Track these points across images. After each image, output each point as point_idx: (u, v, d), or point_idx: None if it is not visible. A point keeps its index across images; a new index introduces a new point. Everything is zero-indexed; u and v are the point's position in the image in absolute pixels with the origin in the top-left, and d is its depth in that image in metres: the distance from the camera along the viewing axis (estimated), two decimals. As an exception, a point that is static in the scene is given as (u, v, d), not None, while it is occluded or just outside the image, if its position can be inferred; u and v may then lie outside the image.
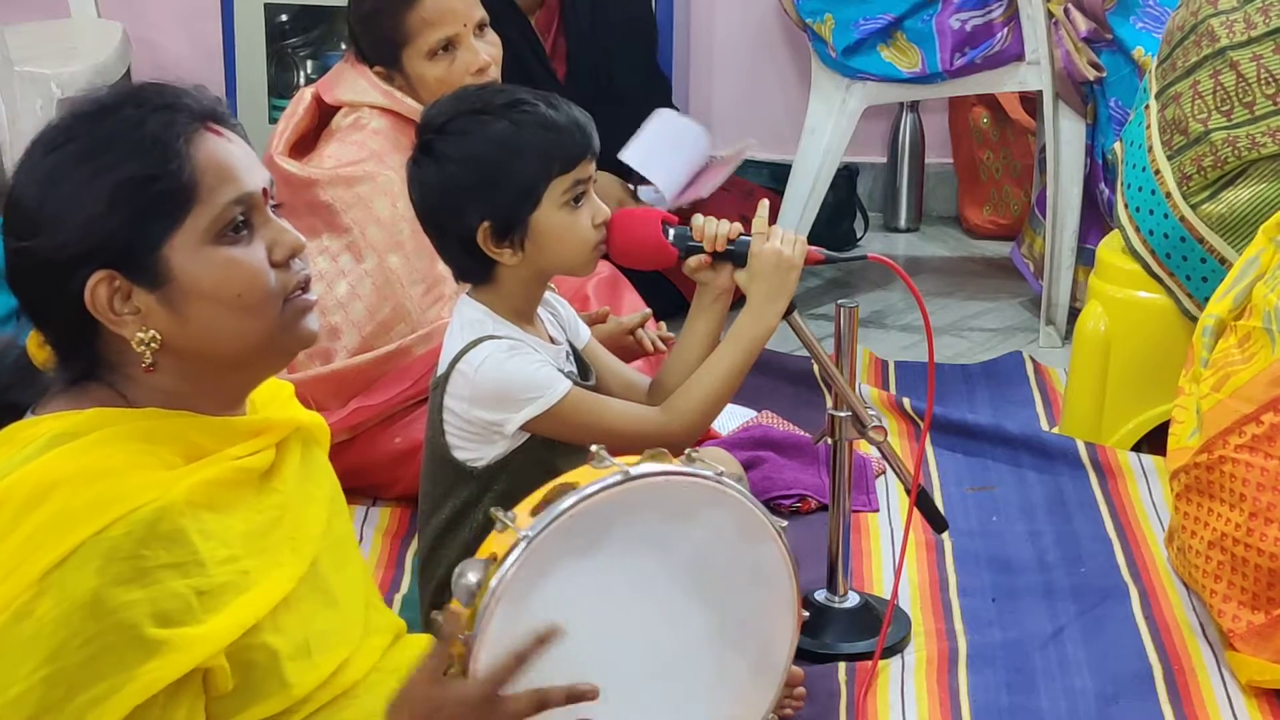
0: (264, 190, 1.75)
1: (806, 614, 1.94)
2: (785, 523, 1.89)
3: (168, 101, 1.71)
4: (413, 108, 3.00)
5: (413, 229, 2.44)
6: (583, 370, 2.43)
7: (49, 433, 1.68)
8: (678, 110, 3.91)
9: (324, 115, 3.17)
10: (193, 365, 1.73)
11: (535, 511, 1.76)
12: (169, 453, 1.70)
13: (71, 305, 1.69)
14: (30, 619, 1.59)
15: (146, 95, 1.72)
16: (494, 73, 3.06)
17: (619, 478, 1.76)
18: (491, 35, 3.10)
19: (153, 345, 1.69)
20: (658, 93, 4.11)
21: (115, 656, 1.60)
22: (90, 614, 1.59)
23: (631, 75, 4.02)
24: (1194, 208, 3.08)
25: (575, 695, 1.70)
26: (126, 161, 1.67)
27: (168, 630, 1.62)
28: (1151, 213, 3.15)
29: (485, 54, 3.05)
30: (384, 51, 3.06)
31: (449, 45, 3.03)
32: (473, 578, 1.72)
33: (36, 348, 1.77)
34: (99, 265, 1.67)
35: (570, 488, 1.76)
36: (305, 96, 3.16)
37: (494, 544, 1.76)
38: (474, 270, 2.35)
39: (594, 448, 1.81)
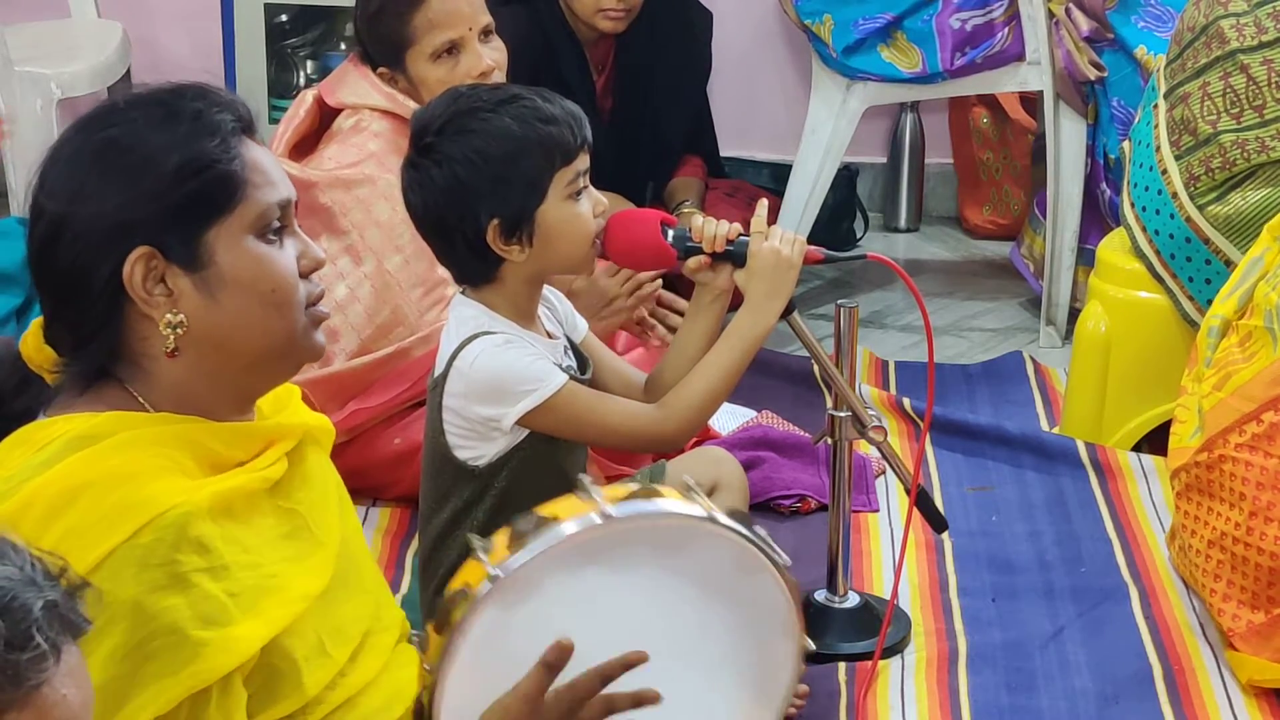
0: (294, 203, 1.80)
1: (813, 646, 1.88)
2: (789, 561, 1.83)
3: (217, 101, 1.76)
4: (413, 110, 3.00)
5: (412, 232, 2.44)
6: (581, 364, 2.44)
7: (66, 435, 1.67)
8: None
9: (325, 118, 3.17)
10: (210, 359, 1.73)
11: (511, 544, 1.73)
12: (187, 458, 1.70)
13: (104, 282, 1.69)
14: None
15: (196, 92, 1.76)
16: (498, 78, 3.04)
17: (597, 520, 1.72)
18: (497, 42, 3.08)
19: (178, 330, 1.70)
20: (703, 137, 4.11)
21: (162, 661, 1.61)
22: (133, 623, 1.60)
23: (678, 119, 4.00)
24: (1201, 209, 3.08)
25: (638, 697, 1.74)
26: (188, 143, 1.70)
27: (211, 631, 1.63)
28: (1158, 212, 3.15)
29: (489, 59, 3.04)
30: (388, 52, 3.06)
31: (453, 48, 3.02)
32: (448, 608, 1.72)
33: (35, 349, 1.77)
34: (143, 241, 1.68)
35: (550, 522, 1.73)
36: (307, 99, 3.16)
37: (467, 573, 1.75)
38: (478, 271, 2.35)
39: (581, 476, 1.78)
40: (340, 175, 3.01)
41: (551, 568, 1.72)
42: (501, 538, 1.75)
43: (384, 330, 2.99)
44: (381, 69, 3.07)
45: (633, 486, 1.78)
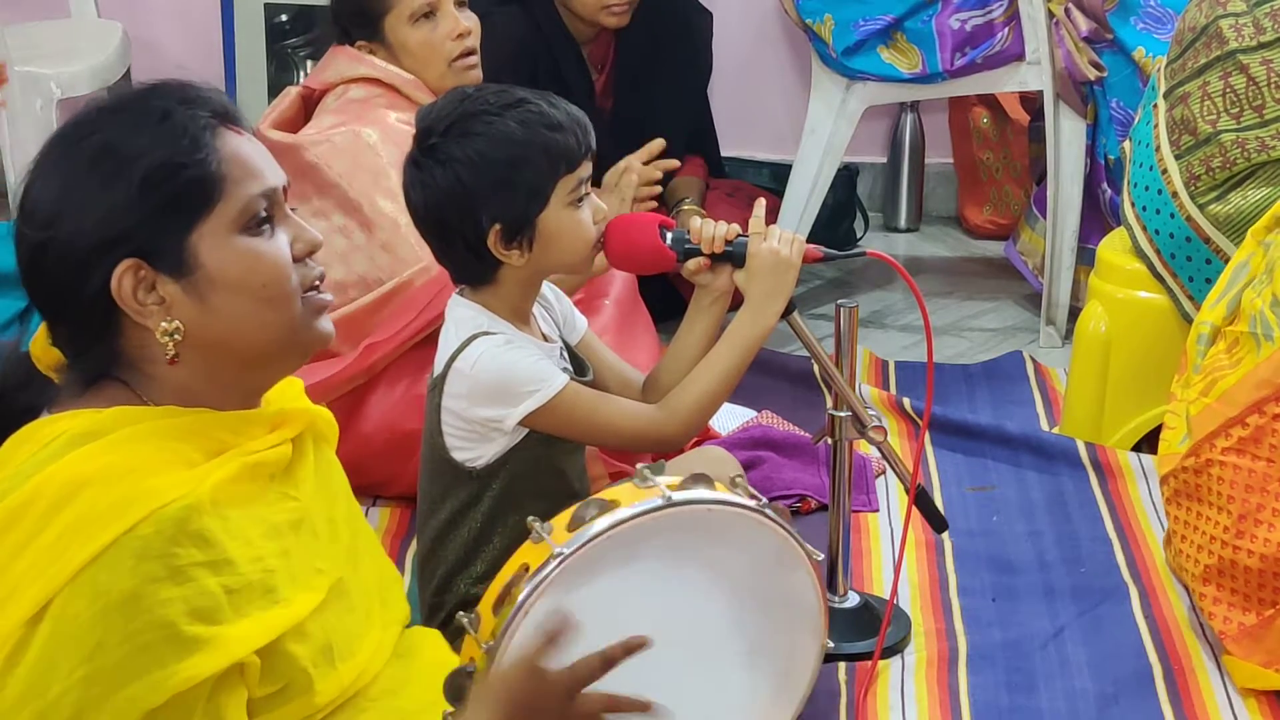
0: (284, 188, 1.77)
1: (831, 644, 1.96)
2: (821, 555, 1.90)
3: (189, 97, 1.74)
4: (395, 74, 3.12)
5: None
6: (578, 367, 2.43)
7: (69, 431, 1.68)
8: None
9: (309, 112, 3.24)
10: (213, 360, 1.73)
11: (572, 526, 1.76)
12: (191, 449, 1.70)
13: (93, 298, 1.68)
14: (65, 619, 1.59)
15: (168, 90, 1.75)
16: (473, 41, 3.15)
17: (661, 502, 1.77)
18: (469, 13, 3.18)
19: (175, 337, 1.70)
20: (703, 137, 4.11)
21: (153, 654, 1.61)
22: (127, 613, 1.60)
23: (678, 119, 3.98)
24: (1201, 208, 3.08)
25: (640, 704, 1.73)
26: (155, 149, 1.68)
27: (204, 627, 1.63)
28: (1158, 212, 3.15)
29: (465, 23, 3.16)
30: (366, 23, 3.16)
31: (430, 11, 3.13)
32: (506, 588, 1.74)
33: (42, 350, 1.77)
34: (125, 254, 1.67)
35: (611, 506, 1.77)
36: (291, 93, 3.25)
37: (527, 554, 1.77)
38: (476, 272, 2.35)
39: (639, 465, 1.82)
40: (325, 134, 3.09)
41: (612, 549, 1.76)
42: (561, 521, 1.78)
43: (388, 271, 3.02)
44: (360, 42, 3.17)
45: (686, 476, 1.82)
